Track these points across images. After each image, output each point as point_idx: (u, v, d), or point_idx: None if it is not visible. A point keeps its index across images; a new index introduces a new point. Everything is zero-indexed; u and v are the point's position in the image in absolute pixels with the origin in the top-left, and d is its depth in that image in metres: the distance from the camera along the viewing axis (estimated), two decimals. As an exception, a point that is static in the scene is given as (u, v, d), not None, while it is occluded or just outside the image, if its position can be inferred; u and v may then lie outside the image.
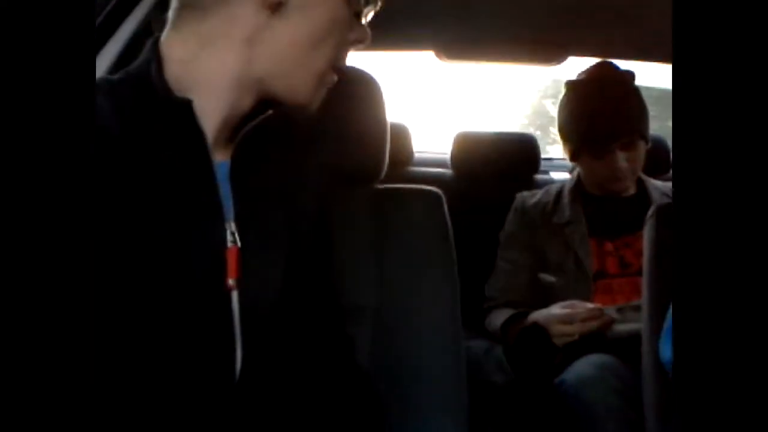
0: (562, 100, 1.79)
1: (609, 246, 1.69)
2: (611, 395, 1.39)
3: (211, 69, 0.78)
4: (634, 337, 1.35)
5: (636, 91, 1.72)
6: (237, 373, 0.79)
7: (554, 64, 2.20)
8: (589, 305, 1.52)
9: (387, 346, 1.08)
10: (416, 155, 2.54)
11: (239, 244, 0.79)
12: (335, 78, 0.85)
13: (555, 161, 2.77)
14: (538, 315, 1.57)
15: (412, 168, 2.50)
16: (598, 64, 1.77)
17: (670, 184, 1.80)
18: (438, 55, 2.16)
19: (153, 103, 0.77)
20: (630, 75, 1.73)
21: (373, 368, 1.04)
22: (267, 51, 0.79)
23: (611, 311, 1.51)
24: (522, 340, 1.58)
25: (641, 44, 2.04)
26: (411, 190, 1.18)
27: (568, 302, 1.54)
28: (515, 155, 2.41)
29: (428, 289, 1.11)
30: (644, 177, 1.79)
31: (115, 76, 0.82)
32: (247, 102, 0.81)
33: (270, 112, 0.84)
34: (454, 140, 2.45)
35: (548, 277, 1.68)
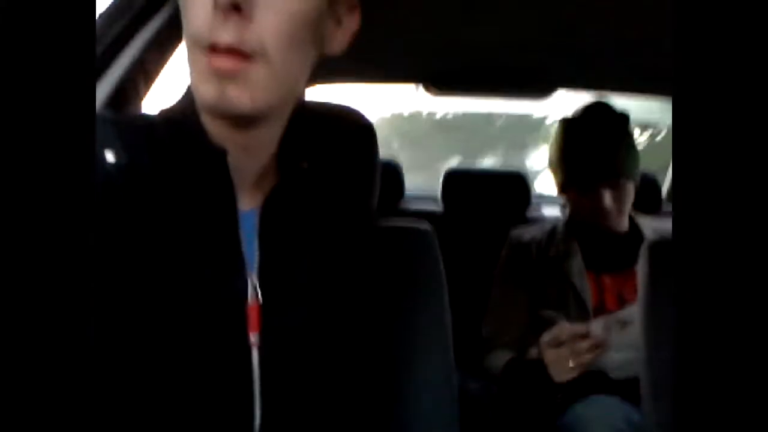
0: (554, 136, 1.80)
1: (607, 281, 1.69)
2: None
3: None
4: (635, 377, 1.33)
5: (627, 133, 1.74)
6: (256, 430, 0.77)
7: (543, 98, 2.21)
8: (577, 327, 1.51)
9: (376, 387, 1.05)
10: (407, 192, 2.55)
11: (261, 298, 0.77)
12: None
13: (546, 197, 2.78)
14: (533, 351, 1.55)
15: (403, 204, 2.50)
16: (593, 104, 1.78)
17: (660, 222, 1.82)
18: (427, 87, 2.18)
19: (188, 147, 0.76)
20: (623, 117, 1.74)
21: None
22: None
23: (597, 328, 1.48)
24: (521, 378, 1.56)
25: (630, 78, 2.05)
26: (402, 227, 1.17)
27: (555, 327, 1.52)
28: (506, 191, 2.41)
29: (419, 326, 1.09)
30: (635, 214, 1.80)
31: (155, 114, 0.81)
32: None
33: (304, 164, 0.83)
34: (444, 177, 2.46)
35: (550, 313, 1.65)
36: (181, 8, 0.73)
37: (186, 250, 0.74)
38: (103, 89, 1.17)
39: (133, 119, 0.79)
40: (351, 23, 0.81)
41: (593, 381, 1.50)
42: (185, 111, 0.78)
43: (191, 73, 0.73)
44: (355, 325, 0.86)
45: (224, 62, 0.70)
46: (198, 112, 0.77)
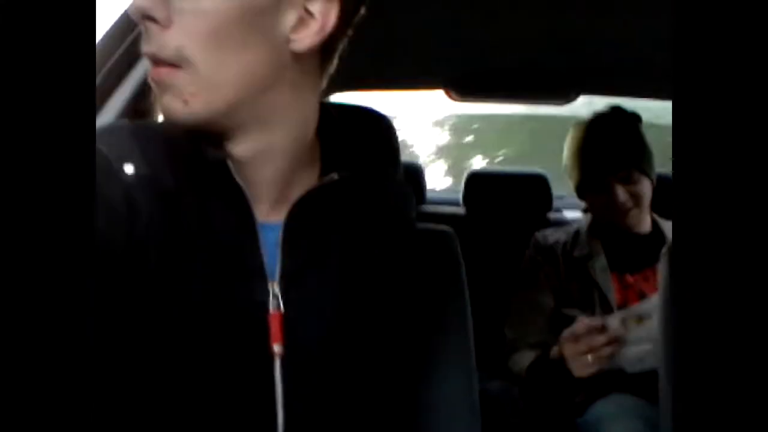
0: (568, 141, 1.82)
1: (629, 279, 1.71)
2: None
3: None
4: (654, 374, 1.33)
5: (638, 130, 1.76)
6: None
7: (565, 103, 2.20)
8: (595, 321, 1.51)
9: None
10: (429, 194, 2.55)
11: (283, 308, 0.77)
12: None
13: (567, 199, 2.78)
14: (554, 349, 1.56)
15: (425, 207, 2.50)
16: (605, 109, 1.81)
17: None
18: (448, 93, 2.17)
19: (199, 159, 0.75)
20: (634, 117, 1.77)
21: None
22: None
23: (614, 322, 1.48)
24: (544, 376, 1.57)
25: (653, 83, 2.04)
26: (423, 229, 1.17)
27: (576, 321, 1.53)
28: (527, 194, 2.41)
29: (441, 331, 1.08)
30: (657, 217, 1.81)
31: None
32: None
33: (334, 176, 0.81)
34: (466, 179, 2.46)
35: (574, 312, 1.66)
36: None
37: (206, 261, 0.74)
38: (118, 101, 1.17)
39: (152, 129, 0.79)
40: (327, 13, 0.73)
41: (611, 379, 1.51)
42: None
43: None
44: (379, 333, 0.84)
45: (154, 73, 0.70)
46: None
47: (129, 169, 0.74)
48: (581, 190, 1.80)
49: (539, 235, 1.85)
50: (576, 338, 1.48)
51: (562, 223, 2.26)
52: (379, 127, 1.13)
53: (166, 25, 0.68)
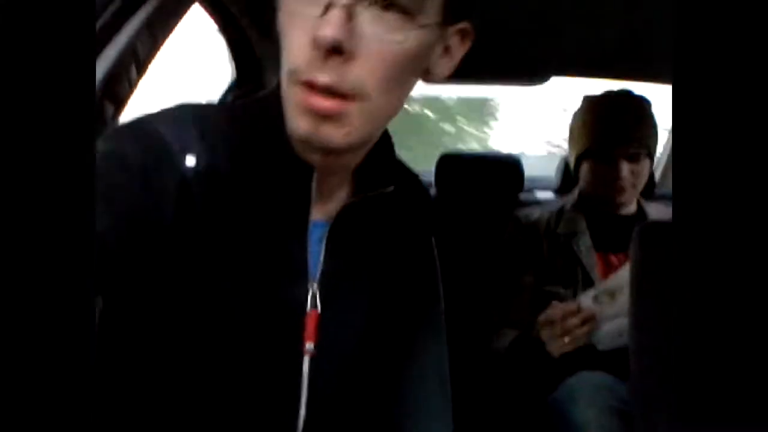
0: (577, 110, 1.84)
1: (613, 259, 1.73)
2: (604, 414, 1.42)
3: None
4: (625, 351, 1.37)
5: (651, 114, 1.79)
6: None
7: (537, 84, 2.21)
8: (569, 305, 1.54)
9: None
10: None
11: (320, 307, 0.77)
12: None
13: (539, 180, 2.79)
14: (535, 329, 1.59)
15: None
16: (616, 90, 1.83)
17: (668, 209, 1.85)
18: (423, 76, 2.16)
19: (273, 157, 0.75)
20: (645, 99, 1.80)
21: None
22: None
23: (587, 300, 1.52)
24: (522, 354, 1.60)
25: (625, 63, 2.05)
26: None
27: (549, 307, 1.56)
28: (499, 175, 2.42)
29: (412, 310, 1.09)
30: (642, 200, 1.84)
31: (238, 104, 0.79)
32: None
33: (390, 188, 0.82)
34: (438, 161, 2.46)
35: (554, 289, 1.69)
36: (281, 39, 0.72)
37: (253, 256, 0.74)
38: (117, 46, 1.16)
39: (216, 115, 0.77)
40: (460, 51, 0.79)
41: (583, 356, 1.54)
42: (271, 113, 0.76)
43: (285, 103, 0.72)
44: (394, 333, 0.87)
45: (321, 102, 0.69)
46: (284, 116, 0.74)
47: (191, 161, 0.72)
48: (582, 157, 1.80)
49: (521, 213, 1.85)
50: (552, 322, 1.51)
51: (534, 203, 2.26)
52: None
53: (350, 58, 0.68)
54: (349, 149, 0.74)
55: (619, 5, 1.63)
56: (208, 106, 0.82)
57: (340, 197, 0.81)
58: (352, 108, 0.70)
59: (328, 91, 0.68)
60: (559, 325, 1.50)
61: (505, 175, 2.42)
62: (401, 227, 0.88)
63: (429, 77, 0.78)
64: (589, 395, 1.45)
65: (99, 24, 1.19)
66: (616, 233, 1.74)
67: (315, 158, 0.75)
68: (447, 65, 0.78)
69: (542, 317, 1.54)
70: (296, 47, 0.69)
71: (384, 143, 0.83)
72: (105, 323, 0.75)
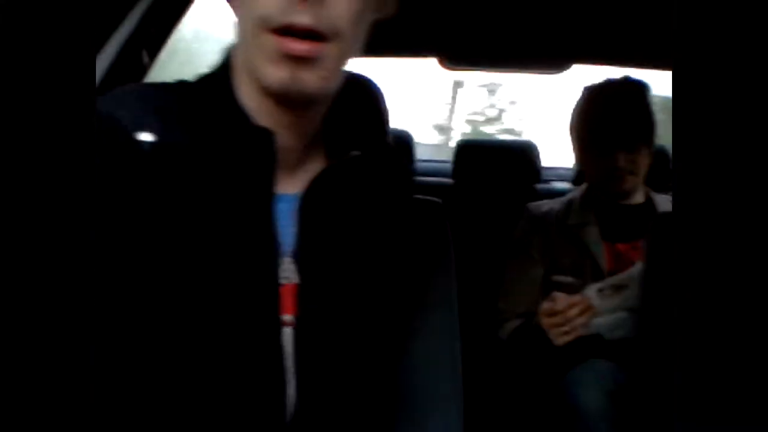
0: (576, 103, 1.85)
1: (621, 248, 1.75)
2: (604, 398, 1.50)
3: None
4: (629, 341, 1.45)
5: (647, 101, 1.79)
6: (289, 412, 0.76)
7: (558, 72, 2.19)
8: (573, 297, 1.58)
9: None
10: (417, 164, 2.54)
11: (297, 280, 0.76)
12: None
13: (556, 170, 2.77)
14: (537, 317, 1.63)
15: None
16: (612, 79, 1.83)
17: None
18: (441, 62, 2.16)
19: (229, 126, 0.74)
20: (643, 85, 1.80)
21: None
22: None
23: (591, 292, 1.57)
24: (525, 341, 1.64)
25: (646, 52, 2.04)
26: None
27: (549, 297, 1.60)
28: (517, 164, 2.41)
29: (426, 299, 1.06)
30: (650, 190, 1.86)
31: (192, 81, 0.78)
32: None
33: (356, 153, 0.81)
34: (456, 148, 2.45)
35: (564, 278, 1.72)
36: None
37: (217, 231, 0.73)
38: (105, 60, 1.16)
39: (169, 92, 0.77)
40: None
41: (590, 344, 1.59)
42: (222, 85, 0.76)
43: (254, 56, 0.71)
44: (379, 303, 0.85)
45: (299, 45, 0.68)
46: (235, 87, 0.75)
47: (146, 137, 0.72)
48: (583, 152, 1.83)
49: (532, 205, 1.88)
50: (552, 312, 1.55)
51: (551, 193, 2.26)
52: (369, 92, 1.12)
53: None
54: (323, 98, 0.75)
55: None
56: (160, 84, 0.81)
57: (309, 169, 0.79)
58: (328, 50, 0.70)
59: (307, 34, 0.68)
60: (559, 315, 1.54)
61: (523, 164, 2.41)
62: (377, 193, 0.86)
63: (383, 13, 0.79)
64: (594, 382, 1.53)
65: (108, 8, 1.19)
66: (623, 223, 1.77)
67: (273, 113, 0.74)
68: (393, 5, 0.81)
69: (544, 306, 1.58)
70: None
71: (350, 109, 0.83)
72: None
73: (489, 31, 1.98)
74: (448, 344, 1.06)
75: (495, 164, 2.42)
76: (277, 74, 0.70)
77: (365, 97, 0.95)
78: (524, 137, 6.59)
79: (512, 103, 10.84)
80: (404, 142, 2.51)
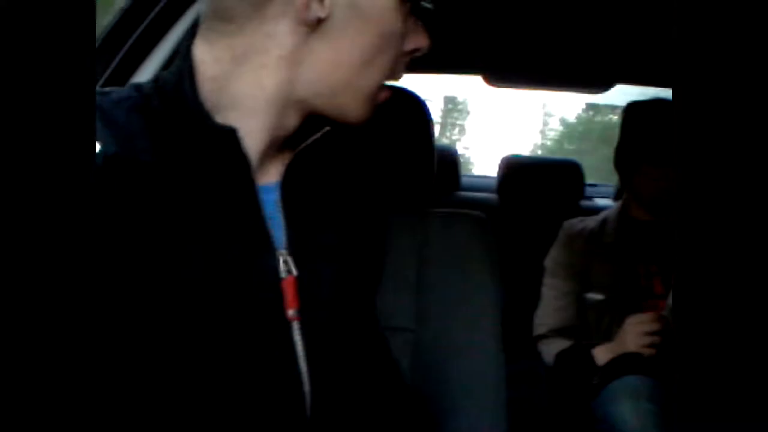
0: (624, 121, 1.84)
1: (654, 268, 1.75)
2: (640, 414, 1.48)
3: (248, 89, 0.71)
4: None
5: None
6: (308, 408, 0.74)
7: (600, 91, 2.21)
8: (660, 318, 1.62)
9: (426, 371, 1.07)
10: (463, 179, 2.56)
11: (295, 273, 0.74)
12: (388, 94, 0.77)
13: (599, 188, 2.78)
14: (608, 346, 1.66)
15: (459, 192, 2.52)
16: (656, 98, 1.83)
17: None
18: (486, 79, 2.19)
19: (190, 127, 0.70)
20: None
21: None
22: (309, 71, 0.71)
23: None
24: (570, 362, 1.66)
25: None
26: (456, 214, 1.17)
27: (645, 316, 1.64)
28: (560, 181, 2.43)
29: (470, 314, 1.09)
30: None
31: (145, 87, 0.73)
32: (291, 122, 0.74)
33: (325, 129, 0.77)
34: (501, 164, 2.48)
35: (596, 296, 1.73)
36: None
37: (207, 236, 0.70)
38: (144, 76, 1.18)
39: (124, 100, 0.72)
40: None
41: (626, 362, 1.60)
42: (182, 85, 0.71)
43: (350, 92, 0.74)
44: (369, 293, 0.85)
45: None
46: (196, 86, 0.70)
47: (106, 146, 0.68)
48: (638, 163, 1.78)
49: (567, 224, 1.89)
50: (641, 322, 1.60)
51: (595, 210, 2.27)
52: (409, 106, 1.15)
53: None
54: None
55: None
56: (111, 92, 0.76)
57: (286, 154, 0.77)
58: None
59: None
60: (648, 324, 1.58)
61: (566, 181, 2.43)
62: (351, 173, 0.86)
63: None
64: (629, 398, 1.51)
65: (146, 23, 1.22)
66: (658, 241, 1.76)
67: None
68: None
69: (635, 320, 1.62)
70: (390, 62, 0.75)
71: None
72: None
73: (534, 51, 2.01)
74: (494, 361, 1.08)
75: (540, 181, 2.44)
76: (370, 114, 0.77)
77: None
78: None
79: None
80: (450, 157, 2.54)
